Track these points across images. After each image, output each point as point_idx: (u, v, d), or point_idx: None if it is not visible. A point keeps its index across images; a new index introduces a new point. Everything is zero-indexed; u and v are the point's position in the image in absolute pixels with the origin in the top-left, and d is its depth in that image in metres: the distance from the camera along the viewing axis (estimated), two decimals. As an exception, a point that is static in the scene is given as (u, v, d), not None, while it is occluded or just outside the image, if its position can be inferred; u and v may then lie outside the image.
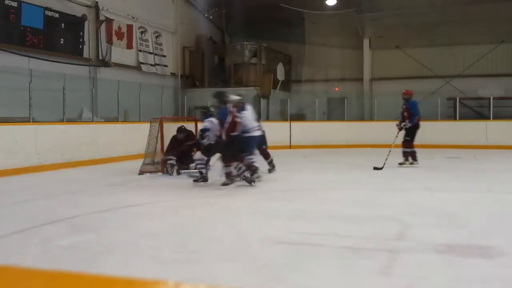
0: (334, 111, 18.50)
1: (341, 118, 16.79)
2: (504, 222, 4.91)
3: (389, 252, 3.71)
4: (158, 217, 5.35)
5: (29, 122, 9.74)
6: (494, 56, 17.34)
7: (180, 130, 9.13)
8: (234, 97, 7.57)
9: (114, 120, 12.36)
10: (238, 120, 7.30)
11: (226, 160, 7.31)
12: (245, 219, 5.13)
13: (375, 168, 9.30)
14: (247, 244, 4.01)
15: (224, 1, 17.99)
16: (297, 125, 16.15)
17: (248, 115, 7.62)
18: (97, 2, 13.00)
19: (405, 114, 9.79)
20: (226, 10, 18.38)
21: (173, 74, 16.74)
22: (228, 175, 7.32)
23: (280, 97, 18.00)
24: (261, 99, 16.89)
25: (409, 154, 9.76)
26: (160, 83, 15.30)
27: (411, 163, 9.75)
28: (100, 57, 13.13)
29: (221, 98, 7.36)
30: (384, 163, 9.33)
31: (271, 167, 9.07)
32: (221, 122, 7.27)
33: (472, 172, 9.50)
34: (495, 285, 3.07)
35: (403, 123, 9.73)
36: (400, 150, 9.81)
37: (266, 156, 9.04)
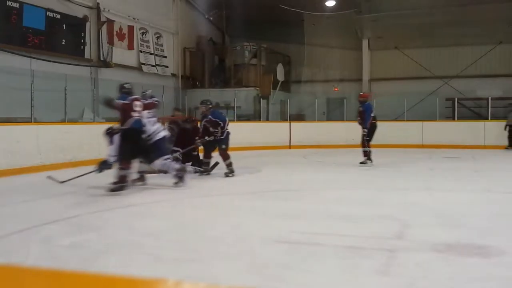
0: (334, 111, 18.57)
1: (341, 118, 16.84)
2: (503, 222, 4.93)
3: (389, 252, 3.73)
4: (159, 216, 5.39)
5: (31, 122, 9.77)
6: (492, 57, 17.39)
7: (187, 120, 9.42)
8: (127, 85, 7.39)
9: (115, 120, 12.33)
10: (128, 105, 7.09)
11: (123, 163, 6.76)
12: (245, 218, 5.14)
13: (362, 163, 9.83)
14: (247, 244, 4.03)
15: (224, 2, 18.02)
16: (297, 125, 16.20)
17: (144, 117, 7.16)
18: (98, 3, 13.05)
19: (361, 116, 10.07)
20: (226, 12, 18.40)
21: (173, 75, 16.77)
22: (121, 180, 6.62)
23: (280, 97, 18.04)
24: (261, 99, 16.95)
25: (366, 153, 10.01)
26: (161, 84, 15.31)
27: (368, 162, 10.04)
28: (101, 58, 13.17)
29: (122, 90, 7.47)
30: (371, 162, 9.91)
31: (229, 171, 8.27)
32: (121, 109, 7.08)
33: (471, 172, 9.53)
34: (494, 284, 3.09)
35: (362, 130, 9.99)
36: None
37: (224, 157, 8.33)
